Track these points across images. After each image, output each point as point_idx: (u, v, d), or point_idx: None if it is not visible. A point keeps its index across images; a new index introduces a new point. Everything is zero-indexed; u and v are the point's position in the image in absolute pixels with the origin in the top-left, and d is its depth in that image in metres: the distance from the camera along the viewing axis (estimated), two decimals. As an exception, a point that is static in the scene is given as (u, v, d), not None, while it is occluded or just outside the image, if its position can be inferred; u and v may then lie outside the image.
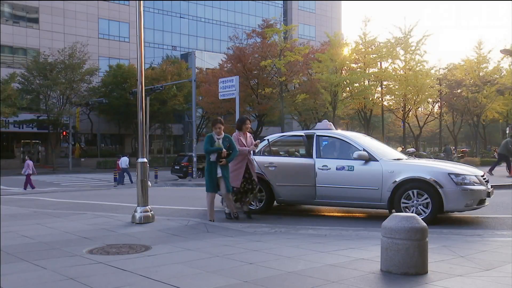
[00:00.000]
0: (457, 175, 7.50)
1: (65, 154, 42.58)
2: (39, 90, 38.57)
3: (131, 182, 22.32)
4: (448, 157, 31.89)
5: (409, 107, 35.46)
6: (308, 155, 8.73)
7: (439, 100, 41.49)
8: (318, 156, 8.54)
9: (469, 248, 5.44)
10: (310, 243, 5.83)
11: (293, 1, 65.50)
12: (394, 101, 36.53)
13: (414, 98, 34.04)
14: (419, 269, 4.21)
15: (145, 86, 14.37)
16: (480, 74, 37.39)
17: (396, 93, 34.24)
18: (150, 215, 7.62)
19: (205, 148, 7.67)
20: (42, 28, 45.12)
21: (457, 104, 40.01)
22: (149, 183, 8.25)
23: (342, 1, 71.36)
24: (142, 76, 8.13)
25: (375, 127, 46.67)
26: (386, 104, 36.49)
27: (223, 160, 7.58)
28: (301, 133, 9.25)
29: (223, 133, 7.80)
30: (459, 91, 38.95)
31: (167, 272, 4.42)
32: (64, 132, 41.24)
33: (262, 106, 30.78)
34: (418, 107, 39.58)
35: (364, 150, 8.17)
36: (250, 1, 62.35)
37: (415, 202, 7.59)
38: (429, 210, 7.47)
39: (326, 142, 8.89)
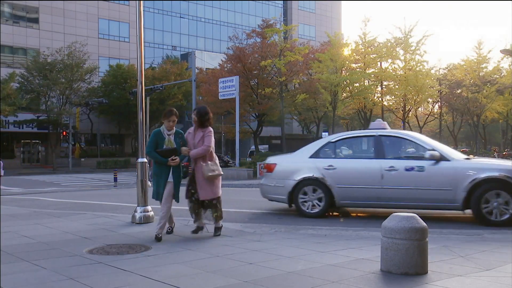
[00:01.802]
0: None
1: (65, 154, 42.57)
2: (39, 90, 38.56)
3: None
4: None
5: (409, 107, 35.47)
6: (371, 155, 8.41)
7: (439, 100, 41.51)
8: (382, 157, 8.20)
9: (469, 248, 5.44)
10: (310, 243, 5.83)
11: (293, 1, 65.50)
12: (394, 101, 36.53)
13: (414, 98, 34.05)
14: (419, 269, 4.21)
15: (145, 86, 14.37)
16: (480, 74, 37.39)
17: (396, 93, 34.24)
18: (150, 215, 7.63)
19: (147, 151, 6.27)
20: (42, 28, 45.11)
21: (457, 104, 40.01)
22: (149, 183, 8.19)
23: (342, 1, 71.40)
24: (142, 76, 8.13)
25: (375, 127, 46.61)
26: (386, 104, 36.49)
27: (176, 158, 6.12)
28: (362, 133, 8.91)
29: (174, 128, 6.33)
30: (459, 91, 38.95)
31: (167, 272, 4.42)
32: (64, 132, 41.23)
33: (262, 106, 30.76)
34: (418, 107, 39.59)
35: (434, 149, 7.89)
36: (250, 1, 62.35)
37: (495, 203, 7.33)
38: None
39: (390, 142, 8.51)
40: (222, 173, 6.29)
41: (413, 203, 7.94)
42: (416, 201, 7.91)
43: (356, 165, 8.51)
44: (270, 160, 9.58)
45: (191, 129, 6.40)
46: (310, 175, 8.48)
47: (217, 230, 6.44)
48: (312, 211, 8.45)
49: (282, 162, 9.28)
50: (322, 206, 8.40)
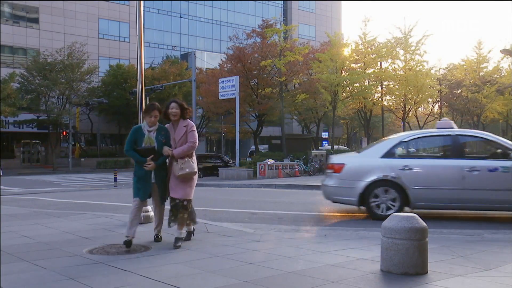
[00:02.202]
0: None
1: (65, 154, 42.57)
2: (38, 90, 38.57)
3: None
4: None
5: (409, 107, 35.46)
6: (449, 155, 8.19)
7: (439, 100, 41.50)
8: (461, 157, 7.93)
9: (469, 248, 5.44)
10: (310, 243, 5.83)
11: (293, 1, 65.50)
12: (394, 101, 36.53)
13: (414, 98, 34.04)
14: (419, 269, 4.21)
15: (145, 86, 14.38)
16: (480, 74, 37.40)
17: (396, 93, 34.24)
18: (150, 215, 7.62)
19: (124, 149, 5.70)
20: (42, 28, 45.10)
21: (457, 104, 40.01)
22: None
23: (342, 1, 71.37)
24: (142, 76, 8.14)
25: (375, 127, 46.66)
26: (386, 104, 36.49)
27: (150, 163, 5.51)
28: (437, 132, 8.56)
29: (157, 124, 5.71)
30: (459, 91, 38.96)
31: (167, 272, 4.42)
32: (64, 132, 41.23)
33: (262, 106, 30.75)
34: (418, 107, 39.58)
35: None
36: (250, 1, 62.35)
37: None
38: None
39: (468, 142, 8.26)
40: (195, 170, 5.60)
41: (497, 205, 7.76)
42: (501, 203, 7.71)
43: (434, 165, 8.18)
44: (336, 160, 9.09)
45: (169, 126, 5.77)
46: (384, 175, 8.13)
47: (178, 240, 5.63)
48: (387, 213, 7.88)
49: (351, 162, 8.83)
50: (397, 207, 8.00)
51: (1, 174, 19.07)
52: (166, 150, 5.58)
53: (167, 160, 5.71)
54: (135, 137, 5.59)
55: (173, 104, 5.66)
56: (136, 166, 5.65)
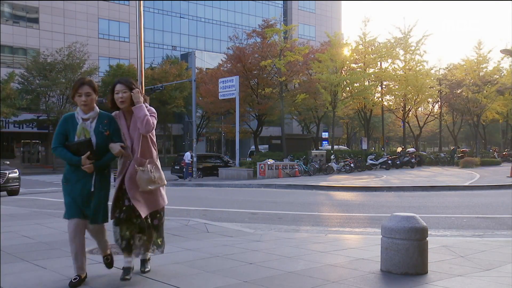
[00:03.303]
0: None
1: (65, 154, 42.52)
2: (38, 90, 38.57)
3: (192, 176, 24.63)
4: (452, 158, 32.02)
5: (409, 107, 35.45)
6: None
7: (439, 100, 41.49)
8: None
9: (469, 248, 5.44)
10: (310, 243, 5.83)
11: (293, 1, 65.48)
12: (394, 101, 36.52)
13: (414, 98, 34.03)
14: (419, 269, 4.21)
15: (145, 86, 14.38)
16: (480, 74, 37.37)
17: (396, 93, 34.22)
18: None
19: (52, 146, 3.99)
20: (42, 28, 45.10)
21: (457, 104, 39.99)
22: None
23: (342, 1, 71.35)
24: (142, 76, 8.13)
25: (375, 127, 46.64)
26: (386, 104, 36.47)
27: (87, 162, 3.85)
28: None
29: (97, 109, 4.01)
30: (459, 91, 38.93)
31: (167, 272, 4.42)
32: (64, 132, 41.17)
33: (262, 106, 30.74)
34: (418, 107, 39.56)
35: None
36: (250, 1, 62.34)
37: None
38: None
39: None
40: (166, 182, 4.24)
41: None
42: None
43: None
44: None
45: (118, 114, 4.13)
46: None
47: (127, 272, 4.10)
48: None
49: None
50: None
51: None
52: (115, 146, 3.91)
53: (121, 164, 4.13)
54: (66, 129, 3.94)
55: (119, 86, 4.02)
56: (68, 170, 3.98)
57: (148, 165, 4.02)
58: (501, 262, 4.72)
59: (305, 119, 39.47)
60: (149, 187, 4.00)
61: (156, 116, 4.13)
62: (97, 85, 4.04)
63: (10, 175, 15.11)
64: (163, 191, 4.26)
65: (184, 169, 25.18)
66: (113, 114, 4.12)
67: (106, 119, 4.01)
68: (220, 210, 10.04)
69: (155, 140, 4.24)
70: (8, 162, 18.66)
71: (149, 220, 4.17)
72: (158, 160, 4.22)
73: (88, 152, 3.86)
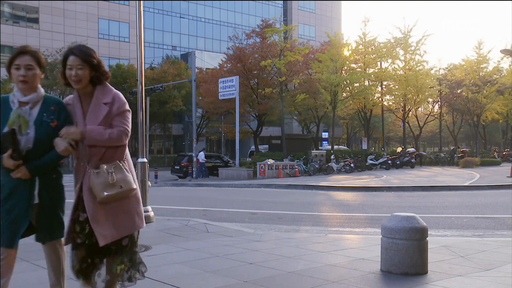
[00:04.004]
0: None
1: (65, 154, 42.57)
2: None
3: (207, 176, 25.10)
4: (452, 158, 32.04)
5: (409, 107, 35.44)
6: None
7: (439, 100, 41.49)
8: None
9: (469, 248, 5.44)
10: (310, 243, 5.83)
11: (293, 1, 65.49)
12: (394, 101, 36.52)
13: (414, 98, 34.02)
14: (419, 269, 4.21)
15: (145, 86, 14.38)
16: (480, 74, 37.37)
17: (396, 93, 34.23)
18: (150, 215, 7.62)
19: None
20: (42, 28, 45.12)
21: (457, 104, 39.99)
22: (149, 183, 8.15)
23: (342, 1, 71.35)
24: (142, 76, 8.14)
25: (375, 127, 46.64)
26: (386, 104, 36.47)
27: (16, 163, 2.82)
28: None
29: (42, 90, 3.04)
30: (459, 91, 38.93)
31: (167, 272, 4.42)
32: (64, 132, 41.23)
33: (262, 106, 30.74)
34: (418, 107, 39.55)
35: None
36: (250, 1, 62.35)
37: None
38: None
39: None
40: (135, 187, 3.00)
41: None
42: None
43: None
44: None
45: (72, 98, 3.07)
46: None
47: None
48: None
49: None
50: None
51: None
52: (60, 143, 2.85)
53: (74, 165, 3.05)
54: None
55: (72, 60, 2.95)
56: (2, 173, 2.88)
57: (105, 165, 2.88)
58: (501, 262, 4.72)
59: (305, 119, 39.47)
60: (105, 193, 2.83)
61: (127, 106, 3.04)
62: (44, 61, 3.07)
63: None
64: (139, 206, 3.09)
65: (197, 168, 25.53)
66: (67, 98, 3.10)
67: (54, 105, 2.95)
68: (220, 210, 10.04)
69: (128, 129, 3.00)
70: None
71: (122, 243, 3.01)
72: (128, 161, 3.07)
73: (10, 150, 2.75)
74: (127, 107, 3.05)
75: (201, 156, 25.75)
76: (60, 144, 2.85)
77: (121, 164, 2.97)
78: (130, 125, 3.01)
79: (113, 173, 2.90)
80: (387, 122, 47.68)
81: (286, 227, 7.39)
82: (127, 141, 3.02)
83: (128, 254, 3.07)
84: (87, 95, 3.03)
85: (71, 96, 3.10)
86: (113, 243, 2.96)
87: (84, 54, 2.98)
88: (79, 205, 2.98)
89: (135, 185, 3.01)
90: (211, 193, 15.73)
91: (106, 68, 3.08)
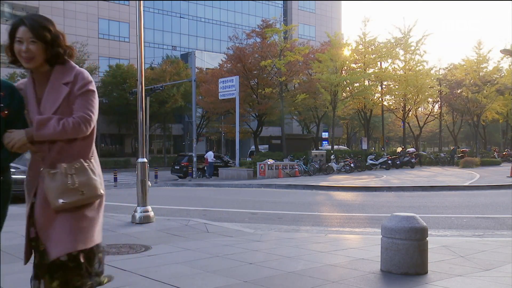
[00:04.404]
0: None
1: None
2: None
3: (211, 176, 25.04)
4: (452, 158, 32.05)
5: (409, 107, 35.44)
6: None
7: (439, 100, 41.49)
8: None
9: (469, 248, 5.44)
10: (310, 243, 5.83)
11: (293, 1, 65.48)
12: (394, 101, 36.52)
13: (414, 98, 34.02)
14: (419, 269, 4.21)
15: (145, 86, 14.38)
16: (480, 74, 37.38)
17: (396, 93, 34.23)
18: (150, 215, 7.62)
19: None
20: (42, 28, 45.11)
21: (457, 104, 40.01)
22: (149, 183, 8.14)
23: (342, 1, 71.33)
24: (142, 76, 8.13)
25: (375, 127, 46.65)
26: (386, 104, 36.47)
27: None
28: None
29: None
30: (459, 91, 38.94)
31: (167, 272, 4.42)
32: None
33: (262, 106, 30.75)
34: (418, 107, 39.56)
35: None
36: (250, 1, 62.34)
37: None
38: None
39: None
40: (100, 193, 2.41)
41: None
42: None
43: None
44: None
45: (25, 82, 2.49)
46: None
47: None
48: None
49: None
50: None
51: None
52: (10, 136, 2.29)
53: (28, 163, 2.48)
54: None
55: (22, 31, 2.31)
56: None
57: (64, 165, 2.28)
58: (501, 262, 4.72)
59: (305, 119, 39.47)
60: (62, 200, 2.25)
61: (93, 85, 2.40)
62: None
63: None
64: (99, 217, 2.44)
65: (205, 168, 25.73)
66: (17, 84, 2.46)
67: (4, 90, 2.34)
68: (220, 210, 10.04)
69: (92, 115, 2.34)
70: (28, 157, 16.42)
71: (78, 257, 2.34)
72: (95, 159, 2.46)
73: None
74: (92, 86, 2.39)
75: (210, 156, 25.96)
76: (8, 138, 2.28)
77: (86, 164, 2.34)
78: (95, 110, 2.35)
79: (74, 176, 2.29)
80: (387, 122, 47.69)
81: (286, 227, 7.39)
82: (89, 132, 2.34)
83: (88, 273, 2.38)
84: (42, 77, 2.40)
85: (24, 80, 2.49)
86: (72, 259, 2.30)
87: (37, 24, 2.31)
88: (32, 218, 2.40)
89: (102, 191, 2.39)
90: (211, 193, 15.73)
91: (69, 43, 2.44)
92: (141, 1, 8.03)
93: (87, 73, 2.42)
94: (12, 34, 2.35)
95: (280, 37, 29.04)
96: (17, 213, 9.60)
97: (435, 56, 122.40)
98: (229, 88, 26.00)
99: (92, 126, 2.36)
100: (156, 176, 23.47)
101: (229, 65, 33.17)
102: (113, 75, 43.26)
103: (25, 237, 2.46)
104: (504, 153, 39.25)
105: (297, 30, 49.19)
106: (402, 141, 42.09)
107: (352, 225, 7.74)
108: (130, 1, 49.52)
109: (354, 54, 32.81)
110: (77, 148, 2.36)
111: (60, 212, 2.31)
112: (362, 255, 5.05)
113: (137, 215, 7.55)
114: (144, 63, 8.55)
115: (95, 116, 2.36)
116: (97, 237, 2.42)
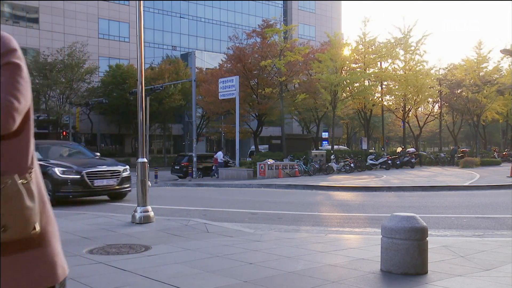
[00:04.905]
0: None
1: (65, 154, 42.50)
2: (39, 90, 38.61)
3: (217, 176, 24.79)
4: (452, 158, 32.05)
5: (409, 107, 35.43)
6: None
7: (439, 100, 41.48)
8: None
9: (469, 248, 5.44)
10: (310, 243, 5.83)
11: (293, 1, 65.47)
12: (394, 101, 36.51)
13: (414, 98, 34.01)
14: (419, 269, 4.21)
15: (145, 86, 14.38)
16: (480, 74, 37.36)
17: (396, 93, 34.22)
18: (150, 215, 7.62)
19: None
20: (42, 28, 45.09)
21: (457, 104, 40.00)
22: (149, 183, 8.13)
23: (342, 1, 71.33)
24: (142, 76, 8.13)
25: (375, 127, 46.63)
26: (386, 104, 36.46)
27: None
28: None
29: None
30: (459, 91, 38.93)
31: (167, 272, 4.42)
32: (64, 132, 41.23)
33: (262, 106, 30.73)
34: (418, 107, 39.54)
35: None
36: (250, 1, 62.34)
37: None
38: None
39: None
40: (33, 229, 1.38)
41: None
42: None
43: None
44: None
45: None
46: None
47: None
48: None
49: None
50: None
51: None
52: None
53: None
54: None
55: None
56: None
57: (16, 178, 1.32)
58: (501, 262, 4.72)
59: (305, 119, 39.46)
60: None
61: (21, 60, 1.53)
62: None
63: (124, 174, 11.80)
64: (54, 248, 1.67)
65: (214, 167, 25.72)
66: None
67: None
68: (220, 210, 10.04)
69: (17, 99, 1.34)
70: (98, 154, 13.50)
71: None
72: (35, 172, 1.47)
73: None
74: (16, 58, 1.51)
75: (220, 156, 25.91)
76: None
77: (20, 182, 1.34)
78: (21, 94, 1.37)
79: (31, 190, 1.37)
80: (387, 122, 47.68)
81: (286, 227, 7.39)
82: (17, 125, 1.33)
83: None
84: None
85: None
86: None
87: None
88: None
89: (37, 224, 1.42)
90: (211, 193, 15.73)
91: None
92: (141, 1, 8.02)
93: (12, 40, 1.55)
94: None
95: (280, 37, 29.03)
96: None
97: (435, 56, 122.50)
98: (229, 88, 25.99)
99: (20, 117, 1.34)
100: (156, 176, 23.47)
101: (229, 65, 33.16)
102: (113, 75, 43.25)
103: None
104: (504, 153, 39.24)
105: (297, 30, 49.19)
106: (402, 141, 42.08)
107: (352, 225, 7.74)
108: (130, 1, 49.51)
109: (354, 54, 32.80)
110: (8, 151, 1.36)
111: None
112: (362, 255, 5.05)
113: (137, 215, 7.55)
114: (144, 63, 8.54)
115: (23, 103, 1.36)
116: (61, 271, 1.57)
